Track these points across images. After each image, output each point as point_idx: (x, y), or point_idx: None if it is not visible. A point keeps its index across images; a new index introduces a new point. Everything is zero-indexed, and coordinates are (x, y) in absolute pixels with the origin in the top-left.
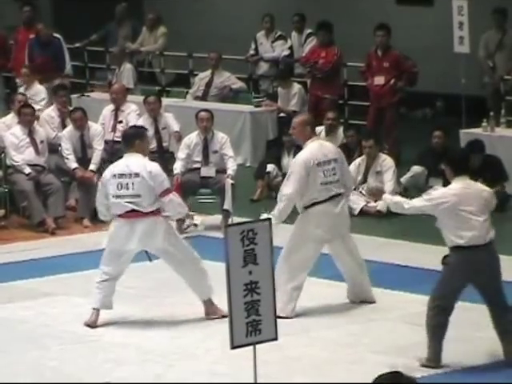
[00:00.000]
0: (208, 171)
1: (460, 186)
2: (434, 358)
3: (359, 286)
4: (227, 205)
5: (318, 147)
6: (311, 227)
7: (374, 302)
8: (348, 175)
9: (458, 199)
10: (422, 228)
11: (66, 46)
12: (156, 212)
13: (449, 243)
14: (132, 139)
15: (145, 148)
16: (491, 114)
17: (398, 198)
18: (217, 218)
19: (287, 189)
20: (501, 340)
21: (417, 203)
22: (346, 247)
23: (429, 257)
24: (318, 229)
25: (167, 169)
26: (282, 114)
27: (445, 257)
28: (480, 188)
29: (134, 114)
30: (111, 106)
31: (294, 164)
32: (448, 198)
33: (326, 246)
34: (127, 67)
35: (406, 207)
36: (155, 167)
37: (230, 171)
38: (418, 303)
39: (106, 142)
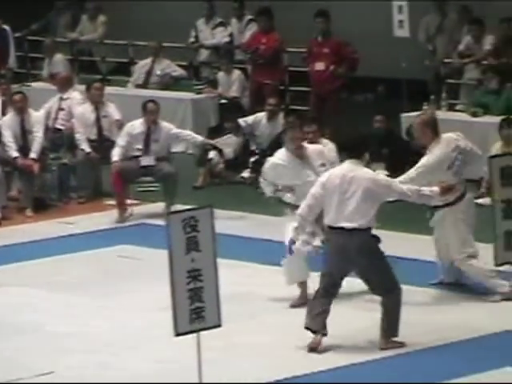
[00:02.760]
0: (148, 160)
1: (345, 167)
2: None
3: None
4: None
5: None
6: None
7: None
8: None
9: (338, 179)
10: None
11: (12, 38)
12: None
13: (325, 222)
14: None
15: None
16: (432, 97)
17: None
18: (158, 206)
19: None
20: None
21: (312, 190)
22: None
23: None
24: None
25: (107, 157)
26: (223, 101)
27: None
28: (365, 174)
29: (77, 103)
30: (59, 94)
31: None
32: (330, 179)
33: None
34: (58, 57)
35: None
36: None
37: (196, 138)
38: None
39: (47, 130)
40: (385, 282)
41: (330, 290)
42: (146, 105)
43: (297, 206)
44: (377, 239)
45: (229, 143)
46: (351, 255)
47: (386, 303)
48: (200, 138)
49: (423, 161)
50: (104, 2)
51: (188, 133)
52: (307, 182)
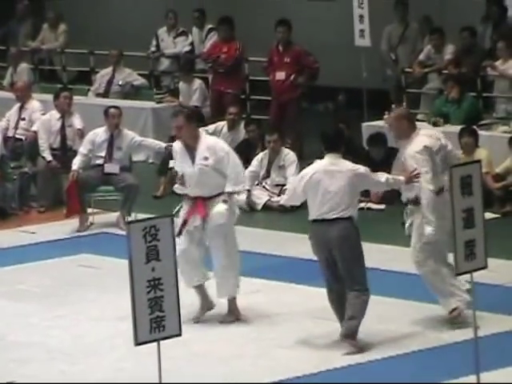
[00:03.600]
0: (112, 168)
1: (325, 162)
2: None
3: None
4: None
5: (426, 138)
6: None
7: None
8: None
9: (320, 175)
10: None
11: None
12: None
13: (309, 217)
14: None
15: None
16: (393, 106)
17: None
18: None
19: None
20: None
21: (289, 185)
22: None
23: None
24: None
25: (69, 166)
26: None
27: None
28: (346, 167)
29: (38, 112)
30: (18, 104)
31: (412, 161)
32: (310, 173)
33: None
34: (22, 67)
35: (285, 198)
36: None
37: (160, 144)
38: (321, 297)
39: (8, 139)
40: (360, 276)
41: (333, 288)
42: (108, 110)
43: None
44: (357, 231)
45: None
46: (332, 244)
47: (355, 303)
48: (163, 144)
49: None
50: (65, 10)
51: (151, 140)
52: (187, 172)
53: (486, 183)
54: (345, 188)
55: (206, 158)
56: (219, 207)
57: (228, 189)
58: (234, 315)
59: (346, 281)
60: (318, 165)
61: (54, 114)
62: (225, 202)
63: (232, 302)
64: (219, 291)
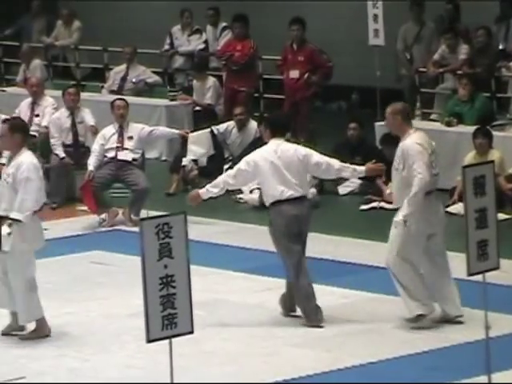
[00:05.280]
0: (125, 155)
1: (275, 146)
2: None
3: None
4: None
5: (424, 137)
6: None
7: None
8: None
9: (274, 159)
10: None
11: None
12: None
13: (269, 200)
14: None
15: None
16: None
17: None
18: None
19: (418, 179)
20: None
21: (231, 172)
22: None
23: (342, 249)
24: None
25: (81, 163)
26: (197, 108)
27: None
28: (294, 149)
29: (50, 107)
30: (29, 100)
31: (412, 150)
32: (261, 159)
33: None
34: (36, 63)
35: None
36: None
37: (173, 131)
38: (333, 295)
39: None
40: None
41: (301, 270)
42: (114, 102)
43: None
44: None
45: (202, 140)
46: (302, 223)
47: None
48: (176, 131)
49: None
50: (79, 7)
51: (163, 128)
52: None
53: (499, 184)
54: (296, 167)
55: (8, 175)
56: (3, 229)
57: (11, 214)
58: (42, 332)
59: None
60: (267, 149)
61: (64, 112)
62: (9, 225)
63: (39, 321)
64: (21, 318)
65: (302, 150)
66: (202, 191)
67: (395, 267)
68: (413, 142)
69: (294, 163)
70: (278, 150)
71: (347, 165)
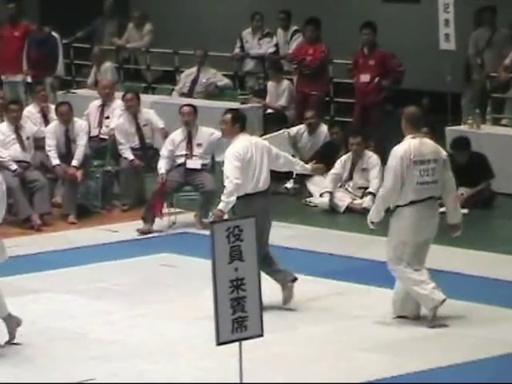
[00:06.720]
0: (194, 163)
1: (249, 140)
2: None
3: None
4: None
5: (419, 144)
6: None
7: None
8: (448, 178)
9: (252, 151)
10: None
11: (61, 46)
12: None
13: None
14: None
15: None
16: (477, 111)
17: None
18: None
19: (384, 185)
20: None
21: (234, 164)
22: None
23: None
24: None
25: (151, 165)
26: (268, 111)
27: None
28: (262, 143)
29: (119, 109)
30: (98, 102)
31: (391, 158)
32: (244, 152)
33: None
34: (106, 65)
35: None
36: None
37: None
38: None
39: (92, 138)
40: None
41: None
42: (181, 108)
43: None
44: None
45: (279, 142)
46: (267, 212)
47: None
48: None
49: None
50: (150, 10)
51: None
52: None
53: None
54: (267, 160)
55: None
56: None
57: None
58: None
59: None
60: (243, 143)
61: (127, 116)
62: None
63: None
64: None
65: (265, 142)
66: (221, 206)
67: (393, 271)
68: (398, 149)
69: (267, 156)
70: (253, 142)
71: (298, 160)
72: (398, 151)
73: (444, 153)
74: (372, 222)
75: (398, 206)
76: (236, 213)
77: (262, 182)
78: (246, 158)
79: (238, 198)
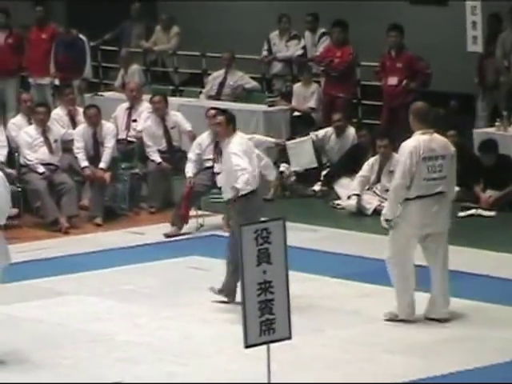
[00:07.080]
0: (221, 167)
1: (244, 138)
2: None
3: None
4: None
5: (428, 140)
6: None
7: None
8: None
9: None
10: None
11: (89, 48)
12: None
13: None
14: None
15: None
16: (504, 113)
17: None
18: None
19: (393, 181)
20: None
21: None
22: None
23: None
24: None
25: (179, 168)
26: (296, 113)
27: None
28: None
29: (146, 112)
30: (125, 104)
31: (400, 154)
32: (250, 147)
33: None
34: (134, 68)
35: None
36: None
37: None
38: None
39: (120, 141)
40: None
41: None
42: (207, 111)
43: None
44: None
45: (304, 150)
46: (262, 210)
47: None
48: (272, 139)
49: None
50: (177, 13)
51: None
52: None
53: None
54: (257, 160)
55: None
56: None
57: None
58: None
59: None
60: (243, 139)
61: (155, 119)
62: None
63: None
64: None
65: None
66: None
67: (389, 266)
68: (407, 144)
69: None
70: (248, 142)
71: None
72: (407, 147)
73: (453, 148)
74: (387, 220)
75: (405, 200)
76: (237, 211)
77: (257, 179)
78: (247, 155)
79: (239, 196)
